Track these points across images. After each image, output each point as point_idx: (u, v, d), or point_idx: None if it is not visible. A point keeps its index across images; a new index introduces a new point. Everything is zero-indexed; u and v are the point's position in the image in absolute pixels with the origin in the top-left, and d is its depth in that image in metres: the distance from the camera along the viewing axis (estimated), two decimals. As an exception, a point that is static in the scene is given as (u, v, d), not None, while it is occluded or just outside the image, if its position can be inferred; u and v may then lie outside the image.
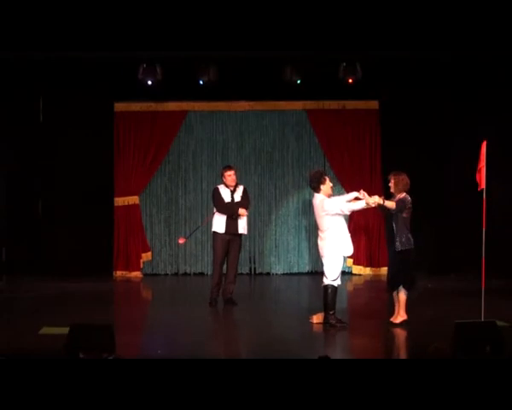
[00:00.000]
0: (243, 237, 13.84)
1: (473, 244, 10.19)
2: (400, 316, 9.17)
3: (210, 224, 10.95)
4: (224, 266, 10.88)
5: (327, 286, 9.13)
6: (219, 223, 10.58)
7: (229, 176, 10.64)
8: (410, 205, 9.16)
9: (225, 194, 10.64)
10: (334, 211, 9.08)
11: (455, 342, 6.98)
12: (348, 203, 9.18)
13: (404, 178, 9.28)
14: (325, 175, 9.38)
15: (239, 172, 13.88)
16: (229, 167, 10.90)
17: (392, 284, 9.26)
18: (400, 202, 9.10)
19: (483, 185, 8.84)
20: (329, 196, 9.29)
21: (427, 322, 9.32)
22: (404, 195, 9.20)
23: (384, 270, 13.51)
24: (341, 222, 9.20)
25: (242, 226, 10.65)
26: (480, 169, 8.84)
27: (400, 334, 9.02)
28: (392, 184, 9.29)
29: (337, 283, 9.16)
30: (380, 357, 8.00)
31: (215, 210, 10.71)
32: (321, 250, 9.32)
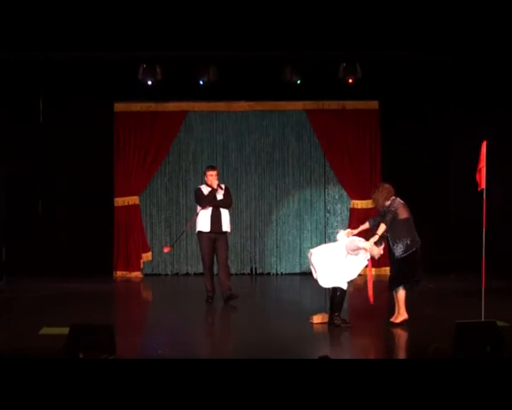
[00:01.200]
0: (244, 237, 14.00)
1: (473, 244, 10.18)
2: (400, 315, 9.16)
3: (194, 225, 10.99)
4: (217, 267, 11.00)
5: (336, 288, 9.12)
6: (204, 222, 10.71)
7: (211, 176, 10.78)
8: (401, 207, 9.11)
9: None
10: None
11: (455, 342, 6.98)
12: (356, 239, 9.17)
13: (384, 188, 9.22)
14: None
15: (239, 173, 14.02)
16: (211, 168, 11.06)
17: (393, 283, 9.25)
18: (388, 216, 9.06)
19: (483, 185, 8.84)
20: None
21: (427, 322, 9.32)
22: (388, 202, 9.16)
23: (384, 270, 13.58)
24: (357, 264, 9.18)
25: (226, 224, 10.77)
26: (480, 169, 8.84)
27: (400, 334, 9.02)
28: (377, 202, 9.28)
29: (345, 285, 9.14)
30: (380, 357, 8.00)
31: (198, 209, 10.82)
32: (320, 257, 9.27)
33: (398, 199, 9.17)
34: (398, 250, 9.08)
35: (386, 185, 9.26)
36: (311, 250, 9.36)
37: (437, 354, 7.02)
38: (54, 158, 13.58)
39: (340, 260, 9.06)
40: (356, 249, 9.04)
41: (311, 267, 9.29)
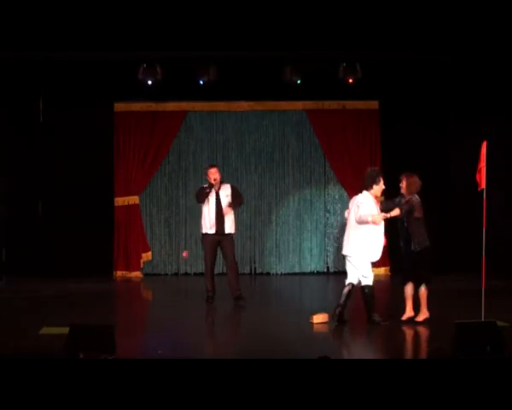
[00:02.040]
0: (244, 237, 13.99)
1: (473, 244, 10.19)
2: (423, 314, 9.28)
3: (199, 227, 11.00)
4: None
5: (363, 287, 9.19)
6: (208, 225, 10.71)
7: (211, 173, 10.76)
8: (418, 205, 9.19)
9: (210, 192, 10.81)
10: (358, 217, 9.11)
11: (455, 342, 6.99)
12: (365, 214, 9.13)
13: (417, 181, 9.30)
14: (381, 176, 9.33)
15: (239, 173, 14.01)
16: (211, 166, 11.10)
17: (405, 278, 9.36)
18: (405, 206, 9.13)
19: (483, 185, 8.85)
20: (377, 197, 9.28)
21: (428, 322, 9.32)
22: (410, 197, 9.22)
23: (383, 270, 13.64)
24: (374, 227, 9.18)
25: (229, 226, 10.76)
26: (480, 169, 8.85)
27: (400, 334, 9.02)
28: (403, 186, 9.29)
29: (371, 281, 9.18)
30: (380, 357, 8.00)
31: (203, 209, 10.81)
32: (346, 248, 9.30)
33: (417, 199, 9.24)
34: (414, 245, 9.21)
35: (418, 181, 9.30)
36: (344, 253, 9.35)
37: (437, 353, 7.03)
38: (54, 158, 13.58)
39: (366, 234, 9.11)
40: (366, 223, 9.08)
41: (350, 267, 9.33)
